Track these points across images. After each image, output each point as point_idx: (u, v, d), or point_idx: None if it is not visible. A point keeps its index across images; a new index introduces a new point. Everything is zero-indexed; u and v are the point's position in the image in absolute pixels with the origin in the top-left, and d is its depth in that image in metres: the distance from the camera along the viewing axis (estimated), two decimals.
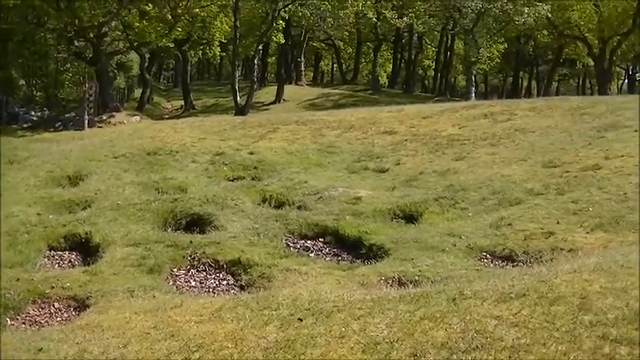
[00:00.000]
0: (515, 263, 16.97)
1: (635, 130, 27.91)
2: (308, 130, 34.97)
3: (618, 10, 76.67)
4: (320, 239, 20.23)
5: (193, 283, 16.76)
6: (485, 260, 17.45)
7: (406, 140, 31.93)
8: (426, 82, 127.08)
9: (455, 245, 18.06)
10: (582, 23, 78.73)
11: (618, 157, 24.23)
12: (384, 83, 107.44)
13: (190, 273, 17.34)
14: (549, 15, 72.51)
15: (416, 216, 21.56)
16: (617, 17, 76.64)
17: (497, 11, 64.06)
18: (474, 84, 68.87)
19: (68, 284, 15.43)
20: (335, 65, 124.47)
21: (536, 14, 66.19)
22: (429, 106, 43.12)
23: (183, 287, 16.37)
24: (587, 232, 18.03)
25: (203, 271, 17.46)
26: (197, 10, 60.00)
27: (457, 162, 27.32)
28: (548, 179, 22.96)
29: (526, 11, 64.49)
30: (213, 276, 17.22)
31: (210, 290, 16.34)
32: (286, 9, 65.91)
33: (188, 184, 25.95)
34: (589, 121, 31.37)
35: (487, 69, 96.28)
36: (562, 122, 31.82)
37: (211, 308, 12.08)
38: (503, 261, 17.36)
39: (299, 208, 23.21)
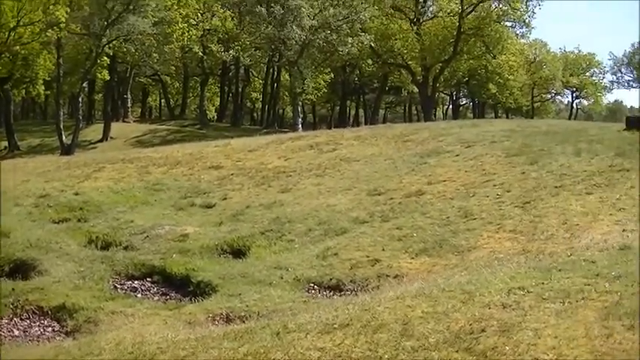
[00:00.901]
0: (342, 292, 17.13)
1: (457, 155, 28.73)
2: (134, 168, 34.52)
3: (439, 38, 78.92)
4: (147, 279, 19.99)
5: (17, 333, 16.19)
6: (313, 291, 17.57)
7: (232, 174, 31.92)
8: (255, 114, 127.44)
9: (282, 278, 18.11)
10: (405, 52, 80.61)
11: (440, 182, 24.95)
12: (213, 117, 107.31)
13: (13, 322, 16.72)
14: (372, 44, 74.02)
15: (243, 250, 21.59)
16: (439, 45, 78.93)
17: (321, 42, 64.90)
18: (300, 115, 69.49)
19: None
20: (163, 100, 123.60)
21: (360, 44, 67.34)
22: (255, 139, 43.29)
23: (5, 337, 15.78)
24: (412, 258, 18.44)
25: (27, 319, 16.88)
26: (18, 47, 58.75)
27: (283, 194, 27.48)
28: (373, 207, 23.35)
29: (350, 41, 65.51)
30: (37, 323, 16.69)
31: (35, 338, 15.83)
32: (110, 45, 65.28)
33: (11, 229, 24.91)
34: (412, 147, 32.09)
35: (314, 99, 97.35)
36: (386, 150, 32.44)
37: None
38: (331, 291, 17.50)
39: (126, 248, 22.86)
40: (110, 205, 28.76)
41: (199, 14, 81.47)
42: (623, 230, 16.85)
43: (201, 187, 30.60)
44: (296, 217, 23.72)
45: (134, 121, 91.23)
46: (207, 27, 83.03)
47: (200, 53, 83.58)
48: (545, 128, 35.38)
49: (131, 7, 63.52)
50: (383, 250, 19.28)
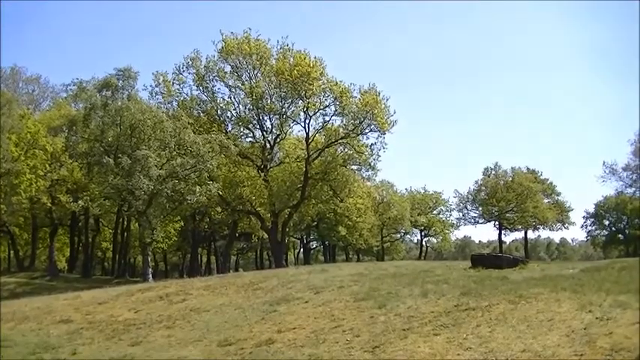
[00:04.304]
0: None
1: (306, 302, 29.12)
2: None
3: (287, 184, 79.97)
4: None
5: None
6: None
7: (82, 328, 31.51)
8: (106, 263, 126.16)
9: None
10: (254, 198, 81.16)
11: (290, 330, 25.17)
12: (64, 267, 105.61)
13: None
14: (221, 192, 74.54)
15: None
16: (286, 191, 79.90)
17: (169, 191, 64.89)
18: (150, 264, 68.75)
19: None
20: (12, 252, 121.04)
21: (208, 192, 67.64)
22: (105, 291, 42.88)
23: None
24: None
25: None
26: None
27: (133, 347, 27.20)
28: (223, 358, 23.36)
29: (198, 190, 65.75)
30: None
31: None
32: None
33: None
34: (262, 295, 32.41)
35: (165, 247, 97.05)
36: (236, 299, 32.66)
37: None
38: None
39: None
40: None
41: (47, 165, 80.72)
42: None
43: (50, 342, 30.03)
44: None
45: None
46: (56, 177, 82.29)
47: (49, 204, 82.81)
48: (393, 270, 36.25)
49: None
50: None
